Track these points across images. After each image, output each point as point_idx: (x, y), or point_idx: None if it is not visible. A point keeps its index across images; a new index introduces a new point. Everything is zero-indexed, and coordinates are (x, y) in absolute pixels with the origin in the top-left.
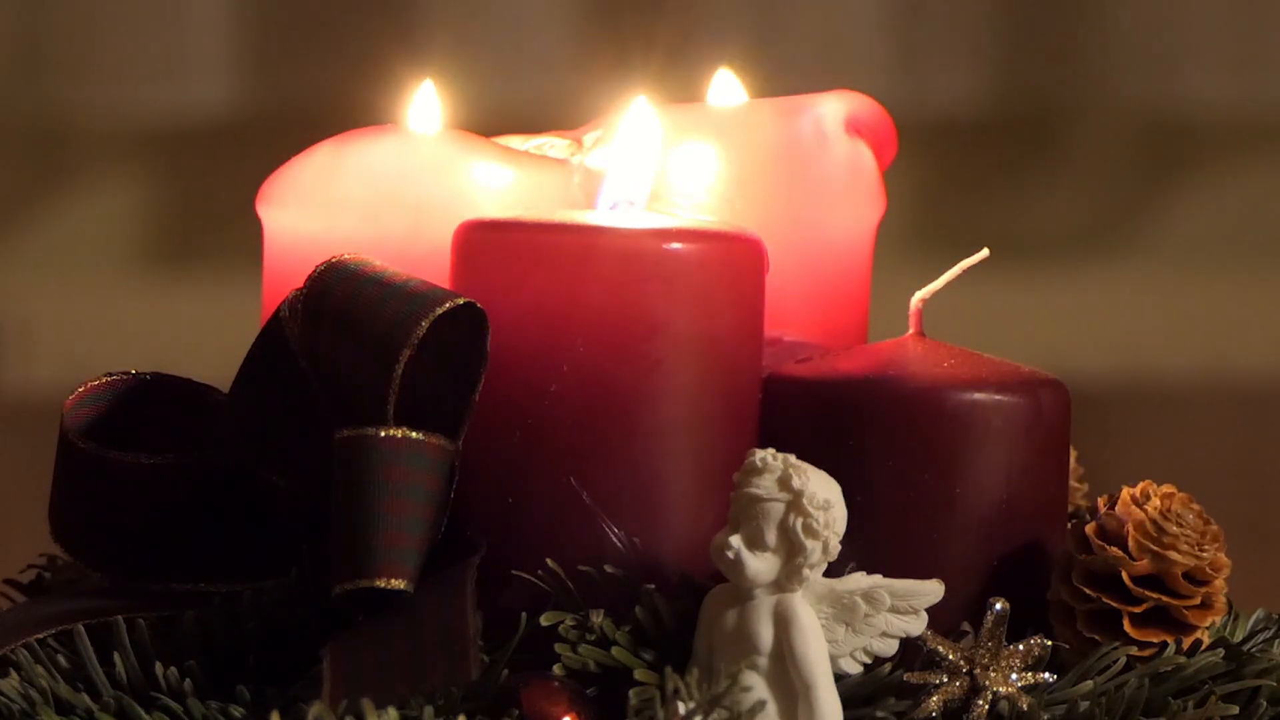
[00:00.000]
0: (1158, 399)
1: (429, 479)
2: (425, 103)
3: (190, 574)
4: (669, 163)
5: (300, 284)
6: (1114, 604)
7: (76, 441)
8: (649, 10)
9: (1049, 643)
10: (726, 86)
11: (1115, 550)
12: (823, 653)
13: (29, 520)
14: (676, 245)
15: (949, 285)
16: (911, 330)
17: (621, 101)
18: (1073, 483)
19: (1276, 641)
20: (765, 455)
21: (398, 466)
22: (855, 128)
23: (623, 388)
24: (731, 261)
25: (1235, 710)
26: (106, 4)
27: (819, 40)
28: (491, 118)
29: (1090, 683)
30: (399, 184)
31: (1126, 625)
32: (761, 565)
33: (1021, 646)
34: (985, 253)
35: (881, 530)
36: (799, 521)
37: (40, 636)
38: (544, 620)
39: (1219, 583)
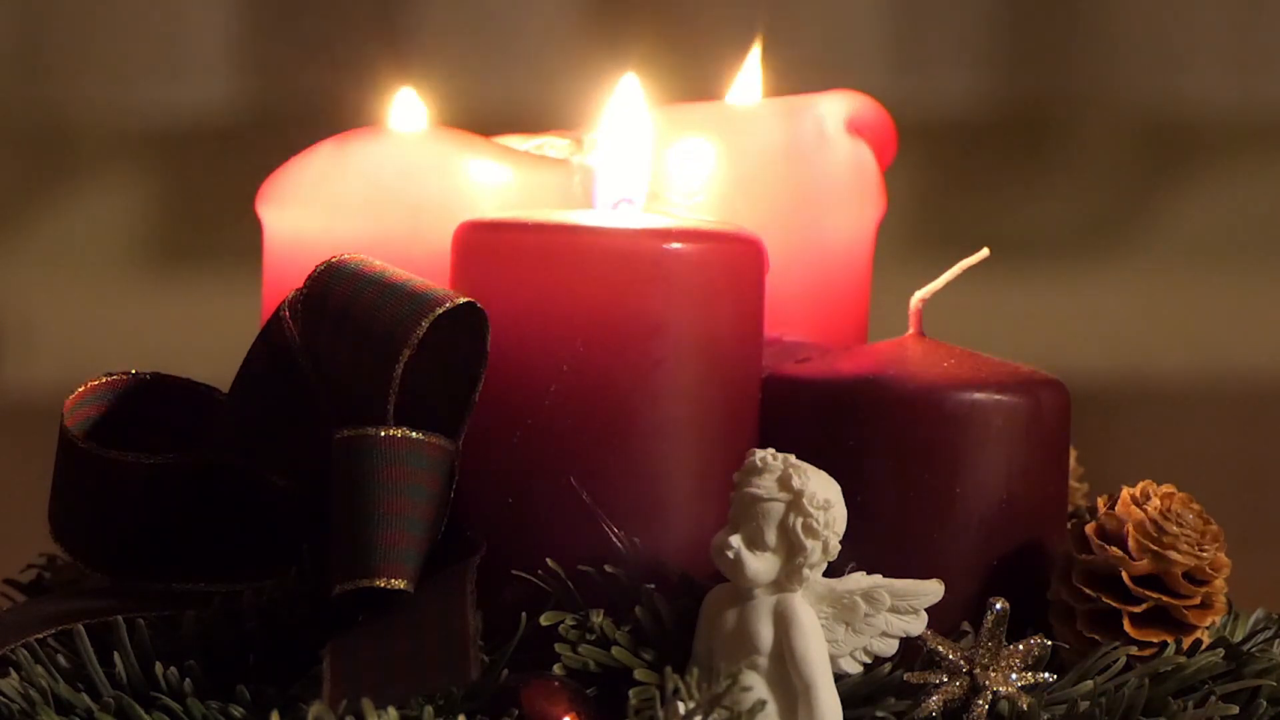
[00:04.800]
0: (1158, 399)
1: (429, 479)
2: (406, 109)
3: (190, 574)
4: (669, 162)
5: (300, 284)
6: (1114, 604)
7: (76, 441)
8: (649, 10)
9: (1049, 643)
10: (749, 79)
11: (1115, 550)
12: (823, 653)
13: (29, 520)
14: (676, 245)
15: (949, 285)
16: (911, 330)
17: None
18: (1073, 483)
19: (1276, 641)
20: (765, 455)
21: (398, 466)
22: (856, 127)
23: (623, 387)
24: (731, 261)
25: (1235, 710)
26: (106, 4)
27: (819, 40)
28: (491, 118)
29: (1090, 683)
30: (399, 184)
31: (1126, 625)
32: (761, 565)
33: (1021, 646)
34: (985, 253)
35: (881, 530)
36: (799, 521)
37: (40, 636)
38: (544, 620)
39: (1219, 583)
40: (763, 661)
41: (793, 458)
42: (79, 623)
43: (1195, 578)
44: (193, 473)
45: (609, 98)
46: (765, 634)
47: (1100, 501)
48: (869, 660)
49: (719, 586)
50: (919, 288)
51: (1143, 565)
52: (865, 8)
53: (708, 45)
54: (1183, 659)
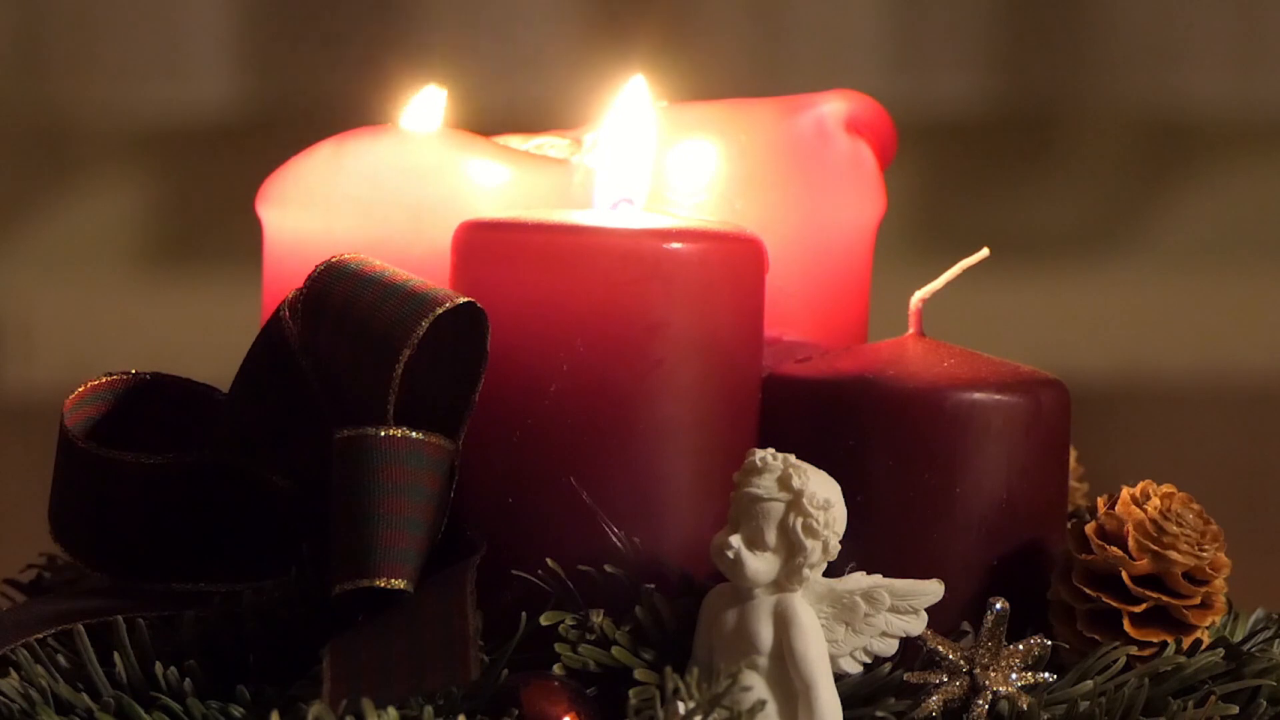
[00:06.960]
0: (1158, 399)
1: (429, 479)
2: (427, 105)
3: (190, 574)
4: (670, 162)
5: (300, 284)
6: (1114, 604)
7: (76, 441)
8: (650, 10)
9: (1049, 643)
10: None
11: (1115, 550)
12: (823, 653)
13: (29, 520)
14: (676, 245)
15: (949, 285)
16: (911, 330)
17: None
18: (1073, 483)
19: (1276, 641)
20: (765, 455)
21: (397, 466)
22: (856, 127)
23: (622, 387)
24: (731, 261)
25: (1235, 710)
26: (107, 3)
27: (819, 40)
28: (491, 118)
29: (1090, 682)
30: (399, 184)
31: (1126, 625)
32: (761, 565)
33: (1021, 646)
34: (985, 253)
35: (881, 530)
36: (799, 521)
37: (40, 636)
38: (544, 620)
39: (1219, 582)
40: (763, 661)
41: (793, 458)
42: (79, 623)
43: (1195, 578)
44: (193, 473)
45: (615, 97)
46: (765, 634)
47: (1100, 501)
48: (869, 660)
49: (719, 586)
50: (919, 288)
51: (1143, 565)
52: (865, 8)
53: (709, 45)
54: (1183, 659)
